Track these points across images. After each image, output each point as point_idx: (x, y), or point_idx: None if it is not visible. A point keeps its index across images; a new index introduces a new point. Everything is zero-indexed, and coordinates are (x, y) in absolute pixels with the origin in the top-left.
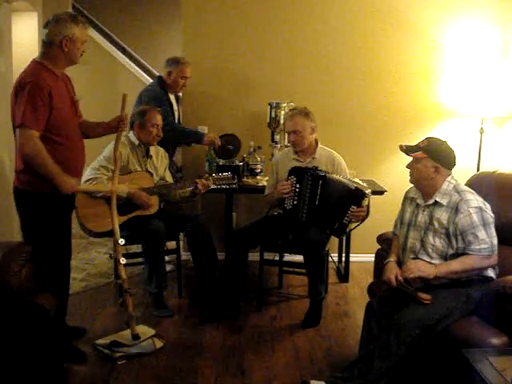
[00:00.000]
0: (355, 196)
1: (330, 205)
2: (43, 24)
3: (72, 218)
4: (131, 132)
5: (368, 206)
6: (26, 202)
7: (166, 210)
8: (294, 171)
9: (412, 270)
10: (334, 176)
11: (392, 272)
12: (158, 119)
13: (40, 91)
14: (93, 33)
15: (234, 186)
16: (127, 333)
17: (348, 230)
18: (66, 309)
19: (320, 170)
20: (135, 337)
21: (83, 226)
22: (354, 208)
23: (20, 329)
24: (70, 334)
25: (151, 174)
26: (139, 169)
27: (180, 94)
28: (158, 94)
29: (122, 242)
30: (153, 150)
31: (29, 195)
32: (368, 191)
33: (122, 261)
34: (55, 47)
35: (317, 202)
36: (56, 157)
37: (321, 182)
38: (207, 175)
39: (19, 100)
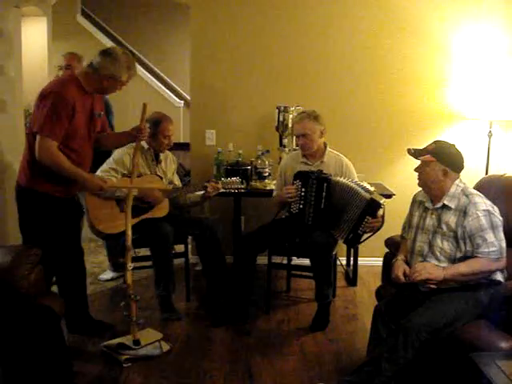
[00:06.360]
0: (370, 207)
1: (337, 208)
2: (100, 50)
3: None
4: None
5: (383, 216)
6: (30, 201)
7: (174, 213)
8: (299, 175)
9: (420, 272)
10: (340, 179)
11: (399, 269)
12: (171, 129)
13: (64, 104)
14: (102, 38)
15: (242, 191)
16: None
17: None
18: (87, 302)
19: (324, 173)
20: (136, 342)
21: (93, 228)
22: (369, 219)
23: (29, 331)
24: (96, 328)
25: (161, 178)
26: (148, 172)
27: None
28: None
29: (130, 266)
30: (162, 154)
31: (34, 194)
32: (383, 201)
33: (130, 266)
34: (97, 76)
35: (322, 206)
36: None
37: (325, 185)
38: (215, 180)
39: (41, 107)
